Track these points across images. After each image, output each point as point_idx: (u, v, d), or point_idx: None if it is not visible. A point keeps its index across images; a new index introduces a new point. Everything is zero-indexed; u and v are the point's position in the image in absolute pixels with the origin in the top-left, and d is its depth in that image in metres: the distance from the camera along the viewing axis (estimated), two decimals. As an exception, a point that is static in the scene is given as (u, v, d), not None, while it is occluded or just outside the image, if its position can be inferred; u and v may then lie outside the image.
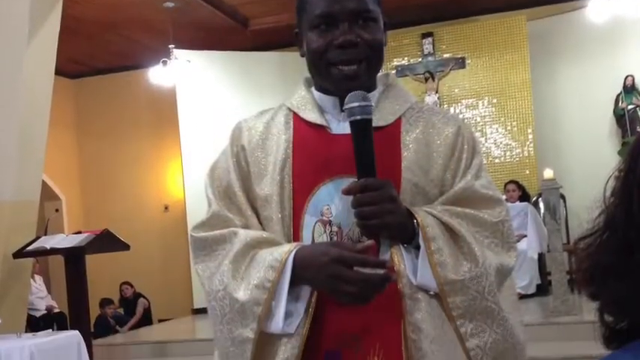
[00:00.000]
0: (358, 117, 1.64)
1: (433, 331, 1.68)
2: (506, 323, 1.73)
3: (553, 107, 10.81)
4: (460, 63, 10.85)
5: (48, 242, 7.05)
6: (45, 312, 10.44)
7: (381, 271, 1.58)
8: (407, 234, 1.70)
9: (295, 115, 1.86)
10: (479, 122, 10.75)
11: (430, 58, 10.94)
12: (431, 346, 1.66)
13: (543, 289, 9.24)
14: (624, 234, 0.77)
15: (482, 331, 1.71)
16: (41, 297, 10.51)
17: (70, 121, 12.85)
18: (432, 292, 1.70)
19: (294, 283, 1.66)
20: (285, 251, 1.66)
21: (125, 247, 7.39)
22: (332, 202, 1.74)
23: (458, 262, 1.70)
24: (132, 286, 11.62)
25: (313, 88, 1.89)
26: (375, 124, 1.70)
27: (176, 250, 11.69)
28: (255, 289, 1.66)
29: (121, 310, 11.55)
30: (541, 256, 9.21)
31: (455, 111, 10.61)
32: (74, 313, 7.00)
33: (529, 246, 8.94)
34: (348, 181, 1.70)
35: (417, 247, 1.70)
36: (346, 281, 1.58)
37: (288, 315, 1.66)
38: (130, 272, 11.66)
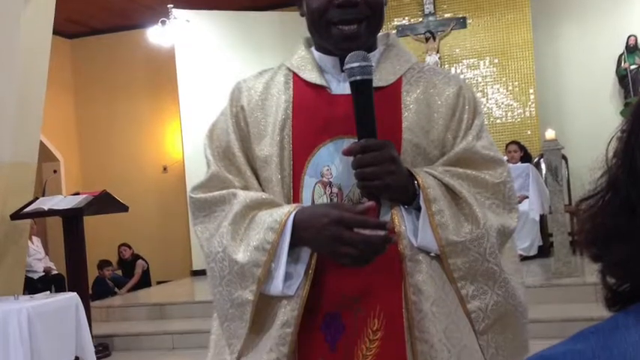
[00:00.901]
0: (358, 77, 1.62)
1: (434, 292, 1.67)
2: (507, 285, 1.73)
3: (555, 67, 10.77)
4: (461, 23, 10.79)
5: (46, 203, 7.05)
6: (43, 274, 10.46)
7: (381, 233, 1.57)
8: (408, 195, 1.68)
9: (295, 75, 1.84)
10: (480, 82, 10.72)
11: (431, 18, 10.88)
12: (431, 308, 1.65)
13: (545, 250, 9.27)
14: (627, 195, 0.76)
15: (483, 293, 1.71)
16: (39, 259, 10.52)
17: (68, 81, 12.80)
18: (432, 254, 1.69)
19: (294, 244, 1.64)
20: (285, 213, 1.65)
21: (123, 208, 7.39)
22: (332, 163, 1.73)
23: (459, 224, 1.69)
24: (130, 247, 11.65)
25: (313, 48, 1.87)
26: (375, 84, 1.68)
27: (175, 211, 11.72)
28: (255, 250, 1.65)
29: (120, 272, 11.61)
30: (543, 218, 9.23)
31: (456, 71, 10.57)
32: (72, 275, 7.01)
33: (530, 207, 8.94)
34: (348, 142, 1.68)
35: (418, 209, 1.69)
36: (346, 243, 1.57)
37: (287, 277, 1.65)
38: (128, 234, 11.69)
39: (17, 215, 7.00)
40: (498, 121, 10.70)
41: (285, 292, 1.66)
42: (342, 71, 1.70)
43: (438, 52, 10.74)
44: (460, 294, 1.70)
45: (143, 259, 11.57)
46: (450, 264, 1.68)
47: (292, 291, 1.66)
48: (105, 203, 7.23)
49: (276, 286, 1.65)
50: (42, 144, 8.87)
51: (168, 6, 10.57)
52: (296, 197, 1.75)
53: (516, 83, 10.65)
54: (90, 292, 8.18)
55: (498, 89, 10.75)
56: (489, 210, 1.74)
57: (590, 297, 5.99)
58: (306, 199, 1.74)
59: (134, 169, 12.42)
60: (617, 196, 0.77)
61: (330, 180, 1.73)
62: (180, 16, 10.68)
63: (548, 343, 0.80)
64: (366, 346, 1.67)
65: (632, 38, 10.22)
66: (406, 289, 1.67)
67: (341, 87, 1.77)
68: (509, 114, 10.71)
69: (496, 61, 10.73)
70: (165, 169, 12.51)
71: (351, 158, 1.64)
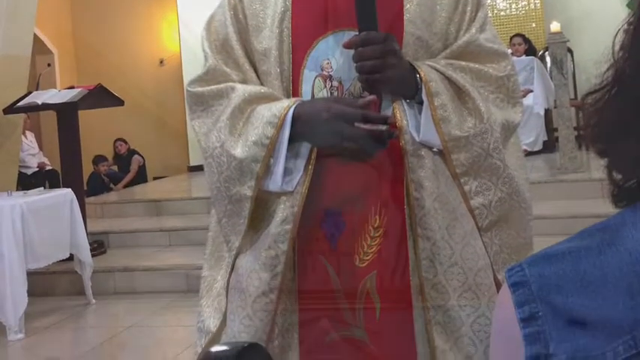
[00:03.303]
0: None
1: (437, 189, 1.65)
2: (511, 181, 1.71)
3: (559, -43, 10.51)
4: None
5: (40, 97, 6.98)
6: (36, 169, 10.43)
7: (383, 127, 1.55)
8: (410, 89, 1.65)
9: None
10: (482, -27, 10.46)
11: None
12: (434, 204, 1.64)
13: (550, 145, 9.20)
14: (634, 89, 0.74)
15: (487, 189, 1.69)
16: (33, 154, 10.49)
17: (61, -28, 12.50)
18: (435, 150, 1.67)
19: (294, 139, 1.62)
20: (284, 107, 1.62)
21: (119, 102, 7.33)
22: (332, 56, 1.69)
23: (462, 118, 1.66)
24: (126, 142, 11.56)
25: None
26: None
27: (172, 105, 11.64)
28: (253, 145, 1.63)
29: (115, 168, 11.57)
30: (547, 112, 9.15)
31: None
32: (66, 171, 7.00)
33: (535, 101, 8.87)
34: (349, 35, 1.64)
35: (420, 103, 1.66)
36: (347, 137, 1.55)
37: (287, 172, 1.64)
38: (124, 128, 11.61)
39: (10, 109, 6.93)
40: (502, 13, 10.51)
41: (284, 188, 1.64)
42: None
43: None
44: (463, 190, 1.68)
45: (139, 155, 11.48)
46: (452, 159, 1.66)
47: (292, 187, 1.64)
48: (100, 97, 7.16)
49: (275, 181, 1.64)
50: (36, 37, 8.73)
51: None
52: (295, 91, 1.71)
53: (520, -26, 10.43)
54: (85, 188, 8.20)
55: (502, -20, 10.52)
56: (493, 104, 1.72)
57: (597, 193, 5.98)
58: (305, 93, 1.71)
59: (130, 61, 12.26)
60: (624, 91, 0.76)
61: (331, 73, 1.69)
62: None
63: (553, 240, 0.79)
64: (367, 243, 1.66)
65: None
66: (408, 185, 1.65)
67: None
68: (514, 6, 10.51)
69: (500, -49, 10.47)
70: (161, 62, 12.35)
71: (352, 52, 1.60)
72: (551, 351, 0.71)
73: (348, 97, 1.68)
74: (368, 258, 1.66)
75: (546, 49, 8.89)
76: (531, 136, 8.90)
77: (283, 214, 1.65)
